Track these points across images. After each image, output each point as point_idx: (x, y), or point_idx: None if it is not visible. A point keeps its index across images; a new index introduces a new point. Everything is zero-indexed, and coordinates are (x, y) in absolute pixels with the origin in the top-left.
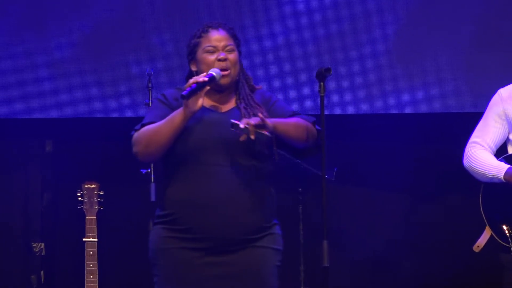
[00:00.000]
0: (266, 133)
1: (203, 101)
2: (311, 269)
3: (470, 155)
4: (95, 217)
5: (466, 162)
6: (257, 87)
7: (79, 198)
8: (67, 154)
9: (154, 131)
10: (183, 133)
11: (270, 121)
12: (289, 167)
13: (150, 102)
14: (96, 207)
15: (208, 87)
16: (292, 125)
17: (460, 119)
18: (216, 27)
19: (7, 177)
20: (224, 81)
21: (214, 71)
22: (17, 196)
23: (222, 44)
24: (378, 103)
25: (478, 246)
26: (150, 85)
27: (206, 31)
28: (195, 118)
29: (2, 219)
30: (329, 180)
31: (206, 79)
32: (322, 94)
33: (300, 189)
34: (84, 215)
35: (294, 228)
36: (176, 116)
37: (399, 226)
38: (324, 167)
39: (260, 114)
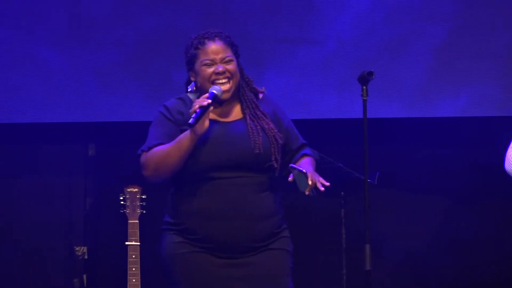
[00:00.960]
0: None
1: (208, 121)
2: (353, 273)
3: None
4: (137, 221)
5: (507, 166)
6: (260, 90)
7: (122, 202)
8: (109, 158)
9: (163, 156)
10: (195, 151)
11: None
12: (331, 171)
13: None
14: (138, 211)
15: (212, 108)
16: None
17: (502, 122)
18: (213, 38)
19: (50, 181)
20: (225, 96)
21: (215, 89)
22: (60, 199)
23: (219, 56)
24: (420, 107)
25: None
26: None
27: (203, 43)
28: (207, 133)
29: (46, 222)
30: (371, 184)
31: (210, 101)
32: (364, 98)
33: (342, 193)
34: (126, 219)
35: (337, 232)
36: (184, 141)
37: (440, 230)
38: (367, 171)
39: (324, 183)
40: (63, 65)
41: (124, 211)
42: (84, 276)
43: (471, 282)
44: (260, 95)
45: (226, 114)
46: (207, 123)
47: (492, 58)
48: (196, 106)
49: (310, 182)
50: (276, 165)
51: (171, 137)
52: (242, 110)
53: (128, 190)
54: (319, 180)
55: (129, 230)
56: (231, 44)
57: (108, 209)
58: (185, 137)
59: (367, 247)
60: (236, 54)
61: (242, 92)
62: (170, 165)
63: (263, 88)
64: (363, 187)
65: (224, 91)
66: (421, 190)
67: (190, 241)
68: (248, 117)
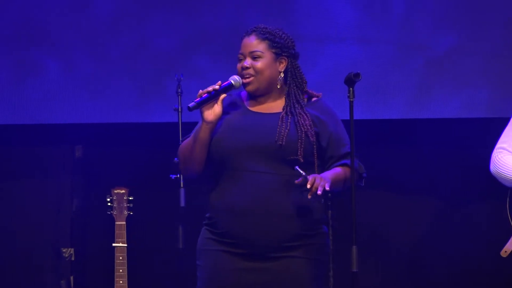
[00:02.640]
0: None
1: (220, 108)
2: (340, 274)
3: (497, 160)
4: (124, 223)
5: (493, 168)
6: (316, 94)
7: (109, 204)
8: (96, 159)
9: (185, 148)
10: (219, 138)
11: (328, 182)
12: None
13: (179, 107)
14: (125, 212)
15: (224, 95)
16: (342, 181)
17: (493, 124)
18: (250, 33)
19: (37, 183)
20: (249, 88)
21: (233, 79)
22: (47, 201)
23: (247, 50)
24: (414, 108)
25: (505, 252)
26: (179, 90)
27: (242, 38)
28: (234, 121)
29: (32, 224)
30: (358, 186)
31: (217, 87)
32: (351, 99)
33: (329, 194)
34: (113, 221)
35: None
36: (198, 130)
37: (429, 232)
38: (353, 173)
39: (326, 187)
40: (51, 67)
41: (111, 213)
42: (71, 278)
43: (464, 283)
44: (314, 99)
45: (267, 107)
46: (217, 109)
47: (484, 59)
48: (201, 91)
49: (308, 186)
50: (301, 160)
51: None
52: (284, 107)
53: (115, 191)
54: (320, 184)
55: (116, 232)
56: (268, 39)
57: (95, 210)
58: (198, 127)
59: (354, 248)
60: (280, 51)
61: (290, 90)
62: (192, 156)
63: (320, 93)
64: (350, 188)
65: (244, 83)
66: (409, 191)
67: (216, 236)
68: (284, 112)
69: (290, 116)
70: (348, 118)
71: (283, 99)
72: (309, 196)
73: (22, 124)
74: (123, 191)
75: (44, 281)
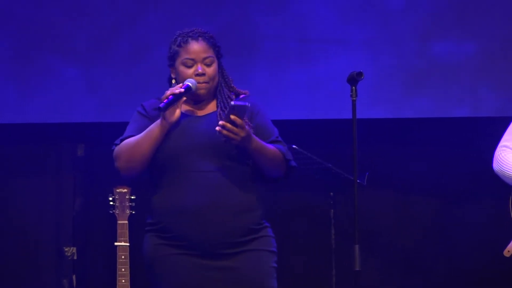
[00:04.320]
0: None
1: (180, 111)
2: (342, 273)
3: (501, 159)
4: (126, 222)
5: (496, 166)
6: (242, 91)
7: (111, 203)
8: (98, 158)
9: (133, 145)
10: (163, 141)
11: (254, 139)
12: (321, 171)
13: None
14: (128, 211)
15: (184, 98)
16: (271, 153)
17: (490, 123)
18: (196, 37)
19: (39, 181)
20: (201, 92)
21: (190, 82)
22: (49, 200)
23: (201, 56)
24: (408, 107)
25: (508, 251)
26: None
27: (186, 42)
28: (176, 125)
29: (35, 223)
30: (360, 185)
31: (182, 90)
32: (354, 98)
33: (331, 193)
34: (115, 220)
35: (326, 232)
36: (154, 129)
37: (430, 230)
38: (356, 172)
39: (244, 125)
40: (54, 66)
41: (113, 212)
42: (73, 277)
43: (460, 281)
44: (242, 96)
45: (200, 109)
46: (178, 112)
47: (484, 58)
48: (168, 92)
49: (231, 116)
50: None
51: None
52: (216, 105)
53: (117, 190)
54: (235, 132)
55: (118, 231)
56: (214, 45)
57: (97, 209)
58: (155, 126)
59: (356, 247)
60: (219, 54)
61: (220, 89)
62: (141, 154)
63: (247, 91)
64: (353, 188)
65: (199, 88)
66: (411, 190)
67: (168, 241)
68: (219, 109)
69: (226, 112)
70: (357, 117)
71: (213, 98)
72: (217, 128)
73: (24, 123)
74: (125, 190)
75: (46, 280)
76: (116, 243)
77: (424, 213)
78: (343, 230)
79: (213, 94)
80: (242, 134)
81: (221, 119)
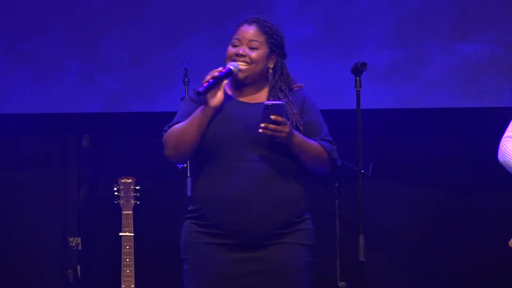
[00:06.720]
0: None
1: (223, 95)
2: (347, 263)
3: (505, 149)
4: (131, 212)
5: (500, 156)
6: (298, 84)
7: (116, 193)
8: (103, 149)
9: (180, 132)
10: (208, 127)
11: (296, 135)
12: None
13: (187, 96)
14: (132, 201)
15: (226, 81)
16: (314, 150)
17: (496, 114)
18: (251, 22)
19: (44, 172)
20: (241, 75)
21: (232, 65)
22: (54, 191)
23: (246, 39)
24: (412, 97)
25: None
26: (186, 79)
27: (241, 24)
28: (222, 111)
29: (39, 214)
30: (365, 175)
31: (223, 72)
32: (358, 89)
33: (336, 184)
34: (120, 210)
35: (330, 222)
36: (198, 114)
37: (435, 220)
38: (360, 162)
39: (281, 137)
40: (58, 56)
41: (118, 202)
42: (78, 267)
43: (464, 272)
44: (296, 88)
45: (252, 97)
46: (220, 95)
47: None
48: (208, 76)
49: (272, 117)
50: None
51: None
52: (268, 96)
53: (122, 181)
54: (278, 130)
55: (123, 221)
56: (268, 33)
57: (102, 200)
58: (199, 111)
59: (361, 238)
60: (274, 46)
61: (275, 82)
62: (187, 141)
63: (303, 84)
64: (357, 178)
65: (240, 70)
66: (415, 180)
67: (206, 229)
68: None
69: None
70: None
71: (267, 90)
72: (260, 130)
73: (29, 113)
74: (130, 180)
75: (51, 270)
76: (120, 234)
77: (429, 203)
78: (347, 221)
79: (259, 81)
80: (287, 129)
81: (262, 118)
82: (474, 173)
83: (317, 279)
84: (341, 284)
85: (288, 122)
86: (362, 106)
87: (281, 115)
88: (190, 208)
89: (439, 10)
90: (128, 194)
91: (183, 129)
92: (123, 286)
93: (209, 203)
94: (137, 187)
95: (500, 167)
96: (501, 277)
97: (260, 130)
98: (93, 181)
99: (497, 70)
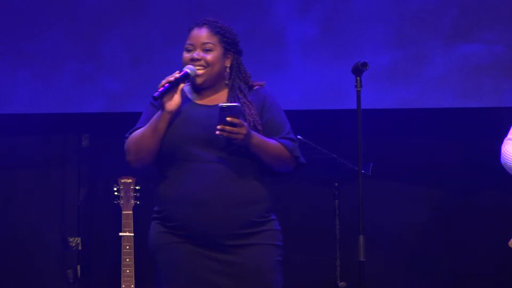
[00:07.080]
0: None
1: (180, 98)
2: (347, 263)
3: (505, 152)
4: (131, 212)
5: (502, 159)
6: (259, 83)
7: (116, 193)
8: (103, 148)
9: (139, 137)
10: (168, 130)
11: (254, 136)
12: (325, 162)
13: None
14: (132, 201)
15: (183, 85)
16: (274, 149)
17: (497, 114)
18: (201, 25)
19: (44, 172)
20: (199, 80)
21: (188, 68)
22: (54, 190)
23: (199, 42)
24: (412, 98)
25: None
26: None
27: (192, 28)
28: (181, 114)
29: (39, 214)
30: (365, 175)
31: (177, 76)
32: (358, 89)
33: (336, 184)
34: (120, 210)
35: (330, 222)
36: (156, 119)
37: (435, 221)
38: (360, 162)
39: (243, 123)
40: (58, 56)
41: (118, 202)
42: (78, 267)
43: (465, 272)
44: (256, 87)
45: (211, 99)
46: (177, 99)
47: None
48: (163, 81)
49: (227, 119)
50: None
51: None
52: (228, 97)
53: (122, 181)
54: (235, 132)
55: (123, 221)
56: (220, 34)
57: (102, 200)
58: (157, 116)
59: (361, 238)
60: (228, 46)
61: (233, 82)
62: (147, 146)
63: (264, 82)
64: (357, 178)
65: (198, 75)
66: (416, 181)
67: (171, 230)
68: (229, 102)
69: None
70: (362, 107)
71: (226, 91)
72: (217, 132)
73: (29, 113)
74: (130, 180)
75: (51, 270)
76: (120, 233)
77: (429, 203)
78: (347, 221)
79: (218, 82)
80: (244, 131)
81: (219, 120)
82: (474, 173)
83: (317, 279)
84: (341, 284)
85: (246, 124)
86: (363, 106)
87: (237, 117)
88: (155, 209)
89: (440, 10)
90: (128, 194)
91: (142, 135)
92: (123, 286)
93: (171, 205)
94: (137, 187)
95: (500, 167)
96: (501, 277)
97: (217, 132)
98: (93, 181)
99: (498, 70)
